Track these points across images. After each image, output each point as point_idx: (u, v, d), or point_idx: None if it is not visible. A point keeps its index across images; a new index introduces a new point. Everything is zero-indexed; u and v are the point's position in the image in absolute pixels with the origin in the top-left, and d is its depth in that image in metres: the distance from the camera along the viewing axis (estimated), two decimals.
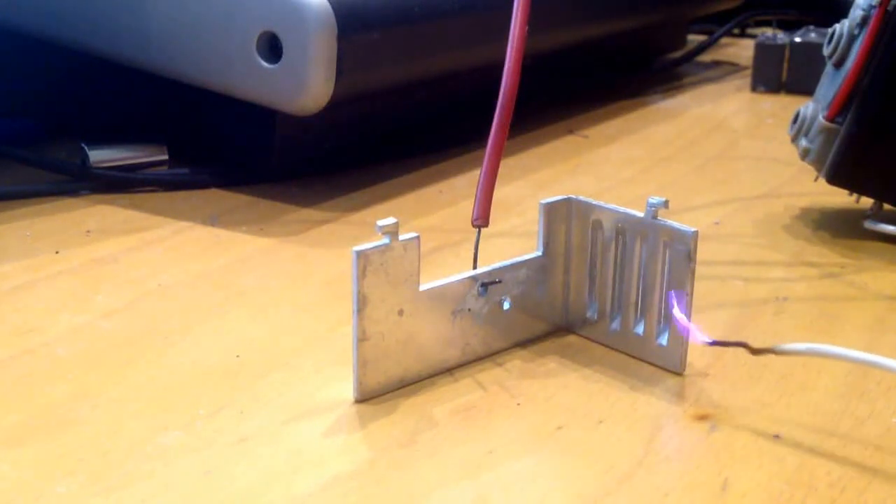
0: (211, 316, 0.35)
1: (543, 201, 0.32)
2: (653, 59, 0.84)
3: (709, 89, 0.77)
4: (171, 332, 0.34)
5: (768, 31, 0.79)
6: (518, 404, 0.29)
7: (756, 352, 0.29)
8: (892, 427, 0.28)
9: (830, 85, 0.43)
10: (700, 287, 0.32)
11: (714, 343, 0.30)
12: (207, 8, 0.44)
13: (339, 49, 0.43)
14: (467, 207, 0.35)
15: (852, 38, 0.42)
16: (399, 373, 0.30)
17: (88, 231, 0.43)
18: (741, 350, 0.33)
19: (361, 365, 0.29)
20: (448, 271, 0.31)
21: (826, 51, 0.43)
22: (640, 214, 0.31)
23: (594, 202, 0.32)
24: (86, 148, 0.48)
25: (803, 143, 0.44)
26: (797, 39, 0.73)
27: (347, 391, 0.29)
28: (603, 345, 0.33)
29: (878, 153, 0.42)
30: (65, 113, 0.58)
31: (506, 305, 0.32)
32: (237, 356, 0.32)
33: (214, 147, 0.52)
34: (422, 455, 0.27)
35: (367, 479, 0.26)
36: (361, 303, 0.28)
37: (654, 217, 0.31)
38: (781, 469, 0.26)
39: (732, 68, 0.85)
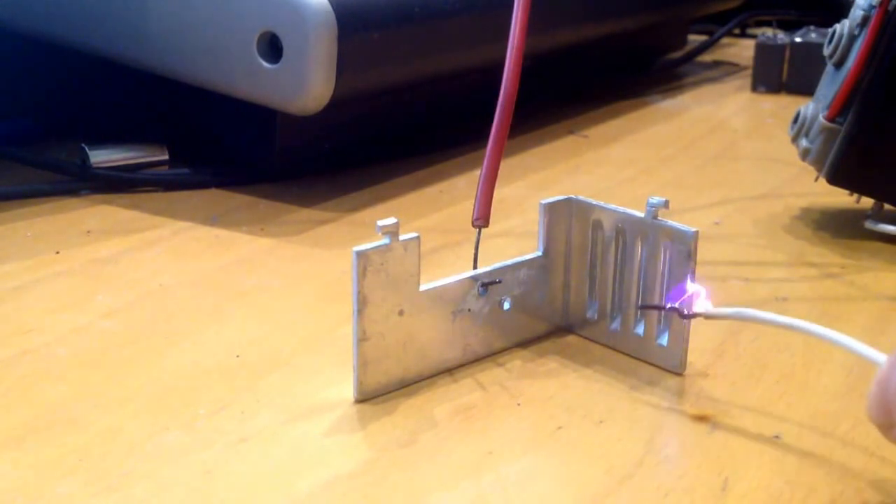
0: (211, 316, 0.35)
1: (544, 201, 0.32)
2: (653, 59, 0.84)
3: (709, 89, 0.77)
4: (171, 332, 0.34)
5: (769, 31, 0.79)
6: (518, 404, 0.29)
7: (686, 316, 0.30)
8: None
9: (831, 85, 0.43)
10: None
11: (644, 307, 0.31)
12: (207, 8, 0.44)
13: (339, 49, 0.43)
14: (467, 207, 0.35)
15: (852, 38, 0.42)
16: (399, 373, 0.30)
17: (88, 231, 0.43)
18: (741, 350, 0.33)
19: (361, 365, 0.29)
20: (448, 271, 0.31)
21: (826, 51, 0.43)
22: (641, 214, 0.31)
23: (594, 202, 0.32)
24: (86, 148, 0.48)
25: (804, 143, 0.44)
26: (797, 39, 0.73)
27: (347, 391, 0.29)
28: (603, 345, 0.33)
29: (879, 153, 0.42)
30: (65, 113, 0.58)
31: (506, 305, 0.32)
32: (237, 356, 0.32)
33: (214, 147, 0.52)
34: (422, 455, 0.27)
35: (367, 479, 0.26)
36: (361, 303, 0.28)
37: (655, 217, 0.31)
38: (781, 469, 0.26)
39: (733, 68, 0.85)
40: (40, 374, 0.30)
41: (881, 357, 0.25)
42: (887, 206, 0.43)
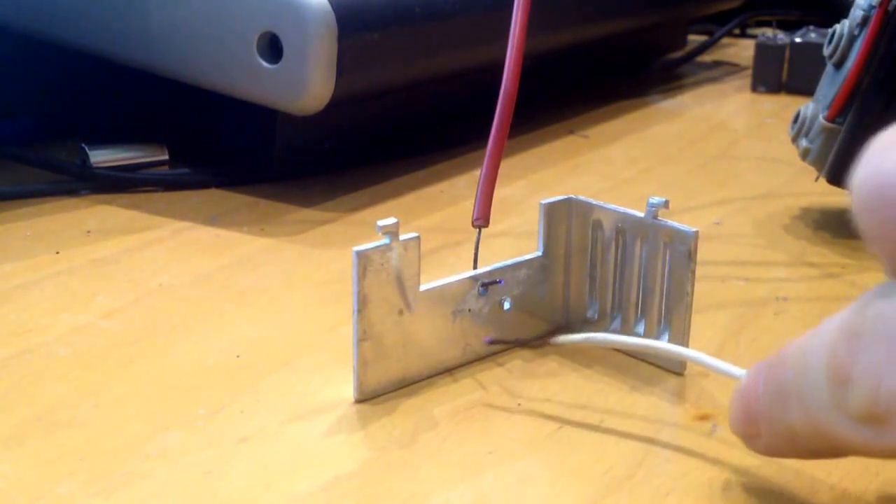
0: (211, 316, 0.35)
1: (544, 201, 0.32)
2: (653, 60, 0.84)
3: (709, 89, 0.77)
4: (171, 332, 0.34)
5: (769, 32, 0.79)
6: (518, 404, 0.29)
7: (533, 346, 0.30)
8: None
9: (831, 85, 0.43)
10: (700, 287, 0.32)
11: (492, 342, 0.31)
12: (207, 8, 0.44)
13: (339, 49, 0.43)
14: (468, 207, 0.35)
15: (852, 39, 0.42)
16: (399, 373, 0.30)
17: (88, 231, 0.43)
18: (741, 350, 0.33)
19: (361, 365, 0.29)
20: (448, 271, 0.31)
21: (826, 51, 0.43)
22: (641, 214, 0.31)
23: (594, 202, 0.32)
24: (86, 148, 0.48)
25: (804, 143, 0.44)
26: (797, 40, 0.73)
27: (347, 391, 0.29)
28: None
29: None
30: (65, 113, 0.58)
31: (506, 305, 0.32)
32: (237, 356, 0.32)
33: (214, 147, 0.52)
34: (422, 455, 0.27)
35: (367, 479, 0.26)
36: (361, 303, 0.28)
37: (655, 217, 0.31)
38: (781, 470, 0.26)
39: (733, 68, 0.85)
40: (40, 374, 0.30)
41: (739, 371, 0.25)
42: None
